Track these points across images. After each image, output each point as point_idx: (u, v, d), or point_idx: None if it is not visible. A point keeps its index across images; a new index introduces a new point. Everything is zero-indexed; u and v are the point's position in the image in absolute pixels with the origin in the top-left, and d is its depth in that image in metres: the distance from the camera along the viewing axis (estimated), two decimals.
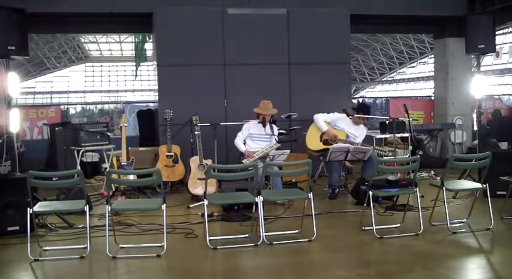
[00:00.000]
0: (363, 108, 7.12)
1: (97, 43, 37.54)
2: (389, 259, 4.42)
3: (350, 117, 6.94)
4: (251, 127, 6.75)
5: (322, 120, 6.93)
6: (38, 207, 4.63)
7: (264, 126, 6.64)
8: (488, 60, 24.81)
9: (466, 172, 6.69)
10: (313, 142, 6.91)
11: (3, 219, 5.06)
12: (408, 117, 7.31)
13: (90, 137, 7.71)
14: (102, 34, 32.68)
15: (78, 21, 9.16)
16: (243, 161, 6.33)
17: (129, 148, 7.51)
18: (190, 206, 6.37)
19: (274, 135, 6.66)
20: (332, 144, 6.76)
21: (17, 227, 5.05)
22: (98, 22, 9.30)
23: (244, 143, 6.67)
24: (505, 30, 21.57)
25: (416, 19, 9.95)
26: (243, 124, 6.79)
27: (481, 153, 5.21)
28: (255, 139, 6.72)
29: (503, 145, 9.41)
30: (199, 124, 6.77)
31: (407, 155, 7.85)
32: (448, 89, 10.28)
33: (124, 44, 36.13)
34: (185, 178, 7.00)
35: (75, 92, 39.07)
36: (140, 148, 8.26)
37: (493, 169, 5.21)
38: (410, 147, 7.59)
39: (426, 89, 31.36)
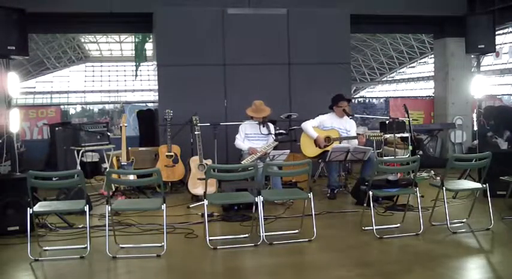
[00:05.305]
0: (337, 98, 7.10)
1: (97, 43, 37.53)
2: (389, 259, 4.42)
3: (333, 108, 7.01)
4: (247, 127, 6.79)
5: (310, 126, 6.92)
6: (38, 207, 4.63)
7: (260, 125, 6.67)
8: (488, 60, 24.83)
9: (466, 172, 6.69)
10: (309, 149, 6.90)
11: (3, 219, 5.05)
12: (408, 117, 7.31)
13: (90, 137, 7.71)
14: (102, 34, 32.69)
15: (78, 21, 9.15)
16: (243, 162, 6.34)
17: (129, 148, 7.51)
18: (190, 206, 6.37)
19: (270, 133, 6.67)
20: (328, 146, 6.76)
21: (17, 227, 5.04)
22: (98, 22, 9.29)
23: None
24: (505, 30, 21.59)
25: (416, 19, 9.95)
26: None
27: (481, 153, 5.21)
28: (251, 139, 6.75)
29: (503, 145, 9.42)
30: (199, 124, 6.77)
31: (407, 155, 7.84)
32: (448, 89, 10.28)
33: (124, 43, 36.13)
34: (185, 178, 7.00)
35: (75, 92, 39.04)
36: (140, 148, 8.27)
37: (493, 169, 5.21)
38: (410, 147, 7.59)
39: (426, 89, 31.36)
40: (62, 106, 17.33)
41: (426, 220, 5.21)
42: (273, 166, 6.07)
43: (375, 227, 4.89)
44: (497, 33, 8.96)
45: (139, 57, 18.85)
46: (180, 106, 7.60)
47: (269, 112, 6.78)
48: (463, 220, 5.34)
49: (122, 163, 6.92)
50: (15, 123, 6.83)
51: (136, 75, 30.87)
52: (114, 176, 5.46)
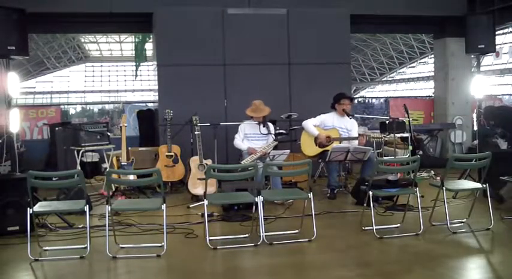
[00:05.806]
0: (339, 95, 7.09)
1: (97, 43, 37.53)
2: (389, 259, 4.42)
3: (335, 106, 7.00)
4: (246, 127, 6.79)
5: (311, 125, 6.92)
6: (38, 207, 4.63)
7: (259, 125, 6.67)
8: (488, 60, 24.82)
9: (466, 172, 6.68)
10: (309, 148, 6.90)
11: (3, 219, 5.05)
12: (408, 117, 7.31)
13: (90, 137, 7.71)
14: (102, 34, 32.69)
15: (78, 21, 9.16)
16: (243, 162, 6.34)
17: (129, 148, 7.51)
18: (190, 206, 6.37)
19: (270, 133, 6.67)
20: (328, 145, 6.76)
21: (17, 227, 5.04)
22: (98, 22, 9.29)
23: None
24: (505, 30, 21.58)
25: (416, 19, 9.95)
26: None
27: (481, 153, 5.20)
28: (250, 138, 6.76)
29: (503, 145, 9.42)
30: (199, 124, 6.78)
31: (407, 155, 7.84)
32: (448, 89, 10.28)
33: (124, 43, 36.13)
34: (185, 178, 7.00)
35: (75, 92, 39.05)
36: (140, 148, 8.27)
37: (493, 169, 5.21)
38: (410, 147, 7.59)
39: (426, 89, 31.36)
40: (62, 106, 17.37)
41: (426, 220, 5.21)
42: (273, 166, 6.07)
43: (375, 227, 4.89)
44: (497, 33, 8.96)
45: (139, 57, 18.90)
46: (180, 106, 7.60)
47: (268, 111, 6.78)
48: (463, 220, 5.34)
49: (122, 163, 6.92)
50: (15, 123, 6.83)
51: (136, 75, 30.91)
52: (114, 176, 5.46)
